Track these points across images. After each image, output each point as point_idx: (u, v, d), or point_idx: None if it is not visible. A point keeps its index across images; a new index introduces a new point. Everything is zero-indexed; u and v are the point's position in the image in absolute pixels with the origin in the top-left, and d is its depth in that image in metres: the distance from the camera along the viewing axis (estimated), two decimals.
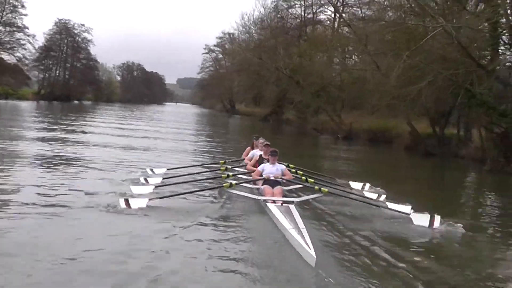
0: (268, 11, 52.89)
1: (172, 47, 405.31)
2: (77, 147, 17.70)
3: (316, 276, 5.79)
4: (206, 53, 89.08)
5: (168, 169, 12.23)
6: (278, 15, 50.00)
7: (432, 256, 6.88)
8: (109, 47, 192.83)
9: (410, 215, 8.72)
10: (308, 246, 6.37)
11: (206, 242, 6.83)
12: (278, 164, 10.03)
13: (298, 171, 11.09)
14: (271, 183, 9.51)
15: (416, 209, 9.03)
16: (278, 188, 9.27)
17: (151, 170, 11.94)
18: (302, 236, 6.72)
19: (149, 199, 8.52)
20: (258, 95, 66.86)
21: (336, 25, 44.51)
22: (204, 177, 11.15)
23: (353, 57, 42.00)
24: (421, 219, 8.53)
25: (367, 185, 11.56)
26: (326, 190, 9.36)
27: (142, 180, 10.62)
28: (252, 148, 12.70)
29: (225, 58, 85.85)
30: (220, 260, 6.22)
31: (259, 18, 54.45)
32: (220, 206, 9.19)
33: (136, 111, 70.47)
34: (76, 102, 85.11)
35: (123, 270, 5.57)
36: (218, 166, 12.59)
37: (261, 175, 9.85)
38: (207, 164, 13.79)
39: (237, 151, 16.09)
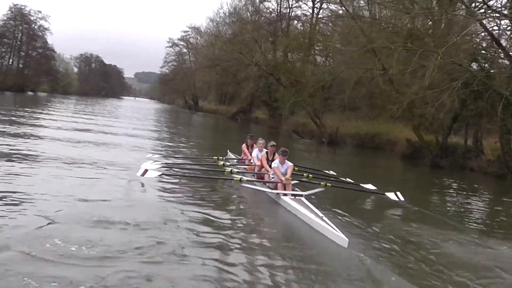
0: (241, 4, 49.41)
1: (131, 40, 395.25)
2: (32, 141, 16.25)
3: (350, 255, 6.69)
4: (170, 46, 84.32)
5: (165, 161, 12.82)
6: (252, 8, 46.27)
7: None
8: (67, 37, 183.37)
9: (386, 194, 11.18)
10: (337, 231, 7.30)
11: (233, 231, 7.37)
12: (287, 162, 10.55)
13: (304, 173, 11.99)
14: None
15: None
16: (288, 184, 10.01)
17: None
18: (327, 223, 7.67)
19: (162, 173, 10.19)
20: (226, 92, 63.18)
21: (314, 20, 41.13)
22: (206, 169, 12.31)
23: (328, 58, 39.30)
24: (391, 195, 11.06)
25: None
26: (330, 185, 10.93)
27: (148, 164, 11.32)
28: (247, 147, 13.40)
29: (190, 53, 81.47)
30: (253, 249, 6.60)
31: (232, 12, 50.88)
32: (231, 198, 10.16)
33: (96, 105, 65.45)
34: (30, 93, 78.76)
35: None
36: (213, 161, 13.31)
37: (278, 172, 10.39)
38: (201, 157, 14.60)
39: (218, 150, 15.97)
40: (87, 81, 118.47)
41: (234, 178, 10.34)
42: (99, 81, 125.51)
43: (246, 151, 13.30)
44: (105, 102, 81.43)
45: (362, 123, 30.28)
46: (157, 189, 9.85)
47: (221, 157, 13.45)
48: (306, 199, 9.24)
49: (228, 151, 15.51)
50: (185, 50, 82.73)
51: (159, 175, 10.06)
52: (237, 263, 5.93)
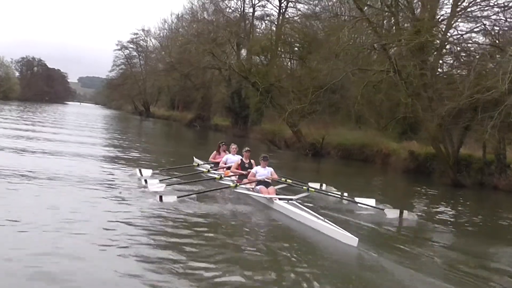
0: (199, 4, 44.87)
1: (74, 44, 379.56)
2: None
3: (359, 253, 7.00)
4: (119, 49, 77.24)
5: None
6: (212, 7, 41.71)
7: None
8: (7, 41, 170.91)
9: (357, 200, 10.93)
10: (344, 231, 7.54)
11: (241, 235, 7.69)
12: (267, 167, 10.96)
13: (282, 178, 11.49)
14: (264, 184, 10.65)
15: None
16: (271, 188, 10.48)
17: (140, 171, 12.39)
18: (331, 224, 7.91)
19: (177, 196, 9.60)
20: (180, 97, 58.40)
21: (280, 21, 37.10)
22: (203, 178, 12.04)
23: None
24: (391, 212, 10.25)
25: (324, 185, 12.46)
26: (313, 190, 10.95)
27: (143, 181, 11.10)
28: (219, 153, 13.61)
29: (140, 56, 75.57)
30: (262, 254, 6.75)
31: (191, 12, 46.22)
32: (231, 204, 10.07)
33: (41, 111, 58.56)
34: None
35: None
36: (198, 167, 13.70)
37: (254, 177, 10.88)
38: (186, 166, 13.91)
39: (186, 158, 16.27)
40: (29, 86, 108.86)
41: (231, 185, 10.72)
42: (42, 86, 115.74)
43: (214, 157, 13.67)
44: (50, 108, 74.05)
45: (345, 132, 26.52)
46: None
47: (201, 163, 14.02)
48: (298, 203, 9.54)
49: (194, 157, 15.41)
50: (135, 53, 76.63)
51: (177, 199, 9.57)
52: (244, 265, 6.07)
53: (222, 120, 46.41)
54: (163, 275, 5.57)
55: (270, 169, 10.91)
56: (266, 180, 10.70)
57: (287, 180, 11.38)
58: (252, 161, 11.91)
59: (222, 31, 34.02)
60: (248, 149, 11.95)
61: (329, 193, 11.49)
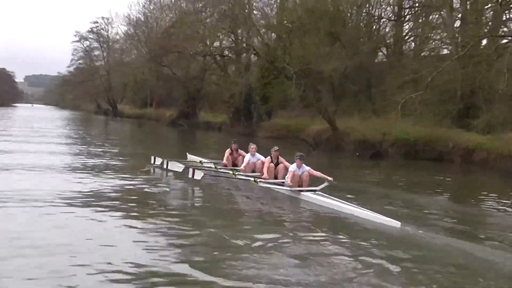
0: None
1: (18, 41, 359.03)
2: None
3: (402, 232, 7.28)
4: (77, 41, 68.05)
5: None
6: None
7: None
8: None
9: None
10: (384, 215, 7.84)
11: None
12: (304, 166, 10.38)
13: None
14: None
15: None
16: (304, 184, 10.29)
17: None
18: (369, 210, 8.18)
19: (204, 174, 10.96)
20: (157, 93, 51.79)
21: None
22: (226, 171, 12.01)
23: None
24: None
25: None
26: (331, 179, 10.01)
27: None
28: (231, 153, 12.85)
29: (103, 47, 67.40)
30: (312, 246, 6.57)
31: None
32: (249, 198, 10.02)
33: None
34: None
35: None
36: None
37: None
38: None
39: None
40: None
41: (257, 180, 10.75)
42: None
43: (230, 156, 12.89)
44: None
45: (408, 125, 21.19)
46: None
47: (199, 159, 13.97)
48: (324, 194, 9.59)
49: (187, 154, 15.11)
50: (96, 44, 68.41)
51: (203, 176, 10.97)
52: (294, 255, 6.00)
53: (213, 117, 40.33)
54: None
55: (307, 168, 10.44)
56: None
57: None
58: (280, 158, 11.45)
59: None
60: (277, 148, 11.53)
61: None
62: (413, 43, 29.72)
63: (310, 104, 25.06)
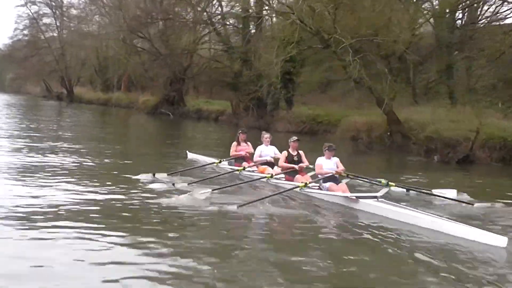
0: None
1: None
2: None
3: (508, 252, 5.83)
4: (22, 5, 55.30)
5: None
6: None
7: None
8: None
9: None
10: (487, 231, 6.17)
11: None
12: (333, 157, 9.05)
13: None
14: (333, 179, 8.67)
15: None
16: (343, 184, 8.55)
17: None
18: (464, 224, 6.46)
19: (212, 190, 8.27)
20: (127, 73, 45.40)
21: None
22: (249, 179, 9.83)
23: None
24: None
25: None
26: (393, 184, 8.35)
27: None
28: (239, 144, 11.11)
29: (55, 14, 56.39)
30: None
31: None
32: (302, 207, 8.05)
33: None
34: None
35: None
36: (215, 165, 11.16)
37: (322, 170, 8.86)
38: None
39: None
40: None
41: (300, 184, 8.51)
42: None
43: (240, 148, 11.11)
44: None
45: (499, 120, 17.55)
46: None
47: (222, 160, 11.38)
48: (388, 201, 7.81)
49: (187, 151, 13.38)
50: (47, 9, 56.80)
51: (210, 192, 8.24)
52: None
53: (206, 103, 34.33)
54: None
55: (336, 159, 8.97)
56: (334, 175, 8.70)
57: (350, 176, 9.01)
58: (300, 152, 9.63)
59: None
60: (297, 138, 9.81)
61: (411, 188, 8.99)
62: None
63: (368, 90, 20.75)
